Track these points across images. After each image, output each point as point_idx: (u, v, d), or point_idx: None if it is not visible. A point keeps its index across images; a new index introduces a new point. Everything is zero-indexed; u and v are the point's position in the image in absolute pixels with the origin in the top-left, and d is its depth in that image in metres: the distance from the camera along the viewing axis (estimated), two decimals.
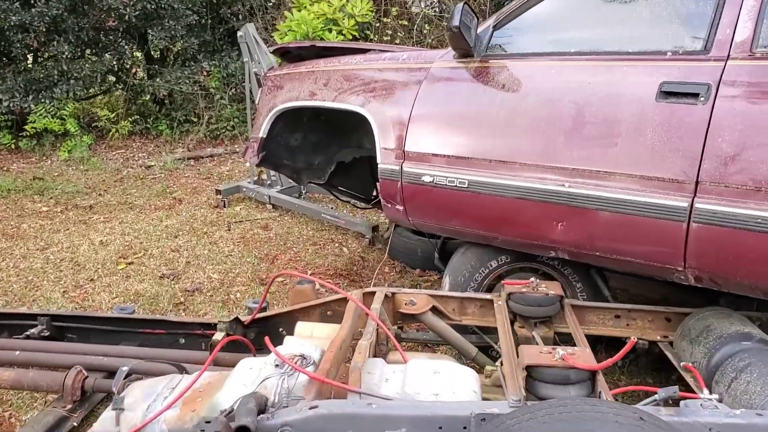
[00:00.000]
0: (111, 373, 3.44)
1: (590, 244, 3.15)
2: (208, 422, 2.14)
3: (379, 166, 3.84)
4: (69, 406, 3.00)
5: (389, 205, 3.86)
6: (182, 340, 3.78)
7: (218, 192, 7.61)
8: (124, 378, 2.69)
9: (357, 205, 6.83)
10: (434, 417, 2.22)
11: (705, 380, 2.79)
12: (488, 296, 3.49)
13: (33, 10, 9.43)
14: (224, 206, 7.49)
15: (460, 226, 3.62)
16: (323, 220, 6.82)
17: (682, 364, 3.00)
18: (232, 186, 7.76)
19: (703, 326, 3.09)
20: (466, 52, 3.61)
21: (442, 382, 2.50)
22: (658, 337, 3.40)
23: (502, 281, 3.39)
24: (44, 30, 9.62)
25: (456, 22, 3.31)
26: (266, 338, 2.63)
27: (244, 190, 7.72)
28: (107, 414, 2.49)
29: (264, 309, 3.70)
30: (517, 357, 2.62)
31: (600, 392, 2.32)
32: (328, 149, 5.08)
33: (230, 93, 11.26)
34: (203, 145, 10.87)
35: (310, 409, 2.22)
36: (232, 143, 10.81)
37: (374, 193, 5.87)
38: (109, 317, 3.76)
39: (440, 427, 2.22)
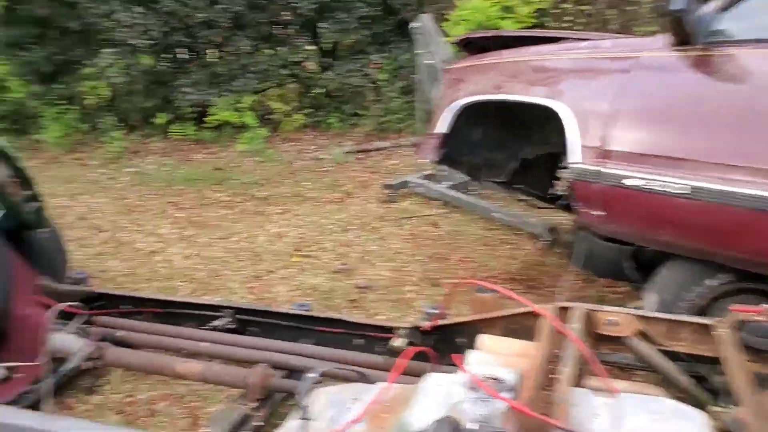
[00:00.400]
0: (291, 372, 3.45)
1: None
2: None
3: (573, 165, 3.50)
4: (254, 405, 3.01)
5: (584, 210, 3.50)
6: (358, 341, 3.71)
7: (387, 187, 7.58)
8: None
9: (537, 205, 6.46)
10: None
11: None
12: (707, 320, 3.02)
13: (217, 6, 10.03)
14: (392, 201, 7.45)
15: (674, 238, 3.20)
16: (494, 218, 6.53)
17: None
18: (400, 181, 7.70)
19: None
20: (685, 39, 3.16)
21: (665, 425, 2.15)
22: None
23: (730, 306, 2.92)
24: (227, 26, 10.20)
25: (681, 5, 2.88)
26: (455, 357, 2.42)
27: (412, 185, 7.63)
28: (293, 423, 2.42)
29: (443, 316, 3.51)
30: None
31: None
32: (510, 146, 4.79)
33: (399, 85, 11.26)
34: (371, 138, 10.98)
35: None
36: (399, 136, 10.81)
37: (553, 191, 5.50)
38: (290, 313, 3.77)
39: None
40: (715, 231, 3.00)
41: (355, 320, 3.67)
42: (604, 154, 3.32)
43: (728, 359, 2.64)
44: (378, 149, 10.30)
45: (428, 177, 7.66)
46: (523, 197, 6.13)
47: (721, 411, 2.53)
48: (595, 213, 3.43)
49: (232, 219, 6.99)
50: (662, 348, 3.10)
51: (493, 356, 2.94)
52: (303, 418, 2.37)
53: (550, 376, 2.63)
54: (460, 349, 3.51)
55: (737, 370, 2.53)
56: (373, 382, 2.75)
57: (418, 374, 3.47)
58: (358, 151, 10.13)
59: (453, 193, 7.13)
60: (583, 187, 3.45)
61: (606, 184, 3.32)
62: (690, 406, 2.30)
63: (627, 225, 3.38)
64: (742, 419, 2.44)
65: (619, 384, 3.05)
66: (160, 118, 11.04)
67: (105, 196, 8.06)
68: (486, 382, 2.33)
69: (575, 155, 3.48)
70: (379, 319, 4.35)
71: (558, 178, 5.63)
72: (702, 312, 3.38)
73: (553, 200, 5.96)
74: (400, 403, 2.42)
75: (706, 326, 3.03)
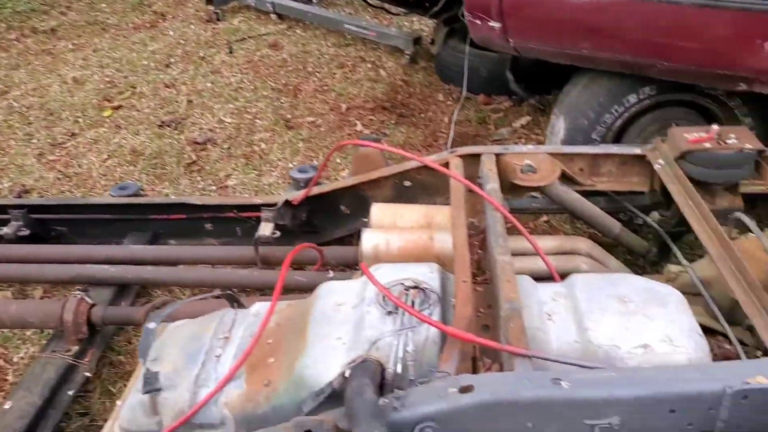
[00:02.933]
0: (123, 287, 2.68)
1: None
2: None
3: None
4: (74, 348, 2.26)
5: (478, 22, 2.82)
6: (209, 225, 2.97)
7: (209, 1, 6.36)
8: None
9: (390, 11, 5.66)
10: (664, 397, 1.46)
11: None
12: (636, 150, 2.59)
13: None
14: (218, 19, 6.30)
15: (596, 49, 2.63)
16: (346, 32, 5.68)
17: None
18: None
19: None
20: None
21: (642, 317, 1.71)
22: None
23: (671, 129, 2.48)
24: None
25: None
26: (363, 266, 1.79)
27: None
28: (136, 399, 1.73)
29: (317, 182, 2.83)
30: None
31: None
32: None
33: None
34: None
35: (461, 392, 1.45)
36: None
37: None
38: (108, 203, 2.92)
39: (672, 410, 1.47)
40: (649, 38, 2.47)
41: (201, 202, 2.89)
42: None
43: (680, 201, 2.22)
44: None
45: None
46: (374, 2, 5.32)
47: (680, 271, 2.17)
48: (492, 26, 2.76)
49: (8, 65, 5.55)
50: (585, 188, 2.68)
51: (397, 235, 2.36)
52: (148, 391, 1.69)
53: (475, 262, 2.10)
54: (345, 221, 2.93)
55: (693, 215, 2.12)
56: (241, 304, 2.08)
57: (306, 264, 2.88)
58: None
59: (291, 3, 6.09)
60: None
61: None
62: (659, 284, 1.87)
63: (536, 39, 2.76)
64: (706, 278, 2.08)
65: (547, 241, 2.63)
66: None
67: None
68: (406, 297, 1.74)
69: None
70: (236, 197, 3.58)
71: None
72: (620, 135, 2.96)
73: (411, 3, 5.20)
74: (291, 342, 1.79)
75: (636, 157, 2.61)
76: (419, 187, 2.77)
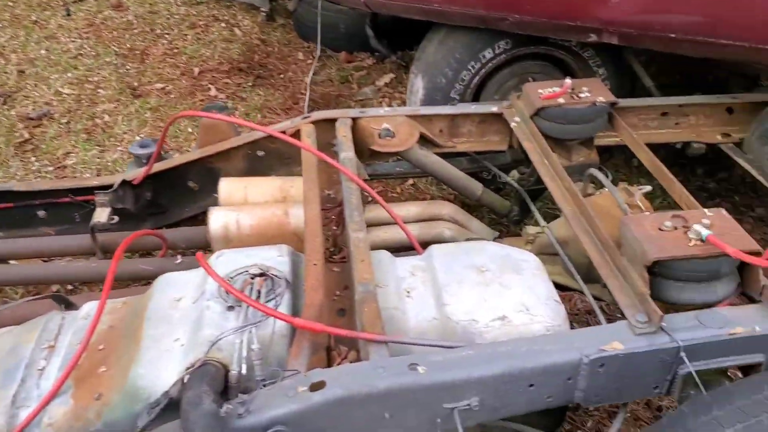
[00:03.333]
0: None
1: (664, 20, 2.20)
2: None
3: None
4: None
5: None
6: (42, 213, 2.66)
7: None
8: None
9: None
10: (522, 372, 1.41)
11: None
12: (493, 109, 2.54)
13: None
14: None
15: (448, 4, 2.53)
16: None
17: None
18: None
19: None
20: None
21: (498, 287, 1.65)
22: (719, 138, 2.66)
23: (525, 85, 2.43)
24: None
25: None
26: (199, 256, 1.62)
27: None
28: None
29: (160, 156, 2.58)
30: (584, 209, 1.79)
31: (764, 285, 1.56)
32: None
33: None
34: None
35: (312, 390, 1.34)
36: None
37: None
38: None
39: (531, 385, 1.43)
40: None
41: (29, 188, 2.57)
42: None
43: (536, 160, 2.19)
44: None
45: None
46: None
47: (538, 233, 2.14)
48: None
49: None
50: (446, 150, 2.60)
51: (248, 213, 2.19)
52: None
53: (332, 239, 1.97)
54: (195, 198, 2.71)
55: (548, 174, 2.09)
56: (71, 305, 1.85)
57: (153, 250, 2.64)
58: None
59: None
60: None
61: None
62: (516, 249, 1.82)
63: None
64: (564, 238, 2.07)
65: (410, 207, 2.54)
66: None
67: None
68: (251, 288, 1.59)
69: None
70: (70, 179, 3.24)
71: None
72: (479, 92, 2.90)
73: None
74: (125, 347, 1.60)
75: (494, 115, 2.56)
76: (274, 156, 2.59)
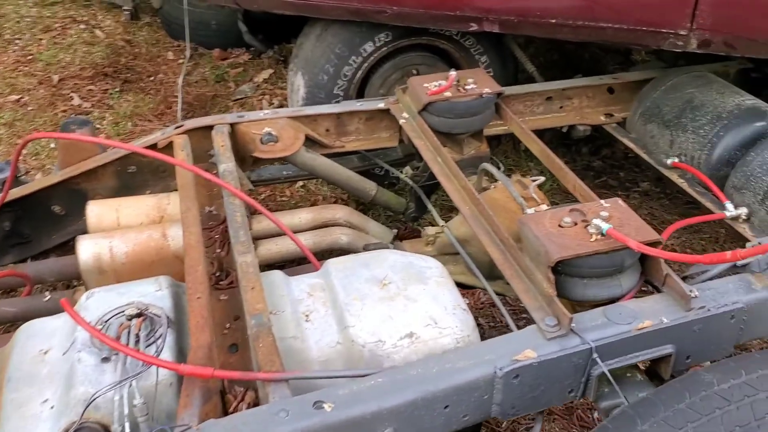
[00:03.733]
0: None
1: (544, 6, 2.17)
2: None
3: None
4: None
5: None
6: None
7: None
8: None
9: None
10: (435, 396, 1.33)
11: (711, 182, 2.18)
12: (380, 105, 2.45)
13: None
14: None
15: None
16: None
17: (669, 161, 2.33)
18: None
19: (681, 101, 2.40)
20: None
21: (403, 301, 1.56)
22: (602, 118, 2.69)
23: (410, 79, 2.35)
24: None
25: None
26: (64, 302, 1.42)
27: None
28: None
29: (17, 180, 2.31)
30: (480, 206, 1.72)
31: (666, 274, 1.55)
32: None
33: None
34: None
35: None
36: None
37: None
38: None
39: (446, 406, 1.35)
40: None
41: None
42: None
43: (428, 158, 2.11)
44: None
45: None
46: None
47: (437, 234, 2.07)
48: None
49: None
50: (334, 150, 2.49)
51: (121, 238, 1.98)
52: None
53: (217, 262, 1.81)
54: (63, 224, 2.44)
55: (444, 173, 2.02)
56: None
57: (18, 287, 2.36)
58: None
59: None
60: None
61: None
62: (417, 256, 1.73)
63: None
64: (464, 236, 2.01)
65: (302, 214, 2.39)
66: None
67: None
68: (128, 332, 1.41)
69: None
70: None
71: None
72: (363, 86, 2.79)
73: None
74: None
75: (380, 111, 2.46)
76: (148, 171, 2.37)
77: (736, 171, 2.14)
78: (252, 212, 2.11)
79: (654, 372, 1.56)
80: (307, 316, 1.56)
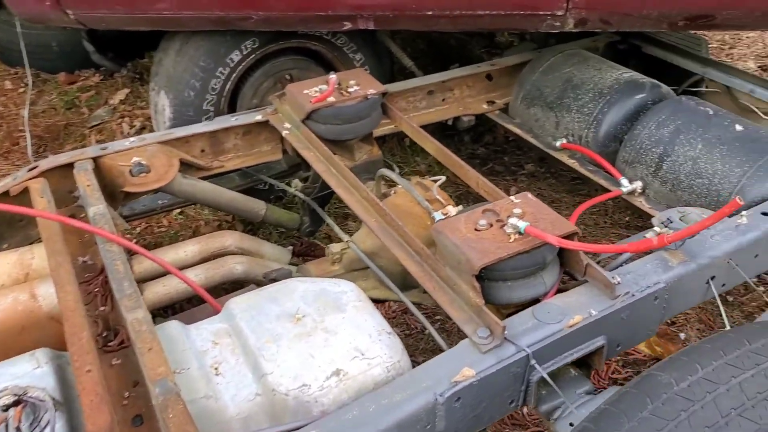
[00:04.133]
0: None
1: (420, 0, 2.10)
2: None
3: None
4: None
5: None
6: None
7: None
8: None
9: None
10: None
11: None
12: (257, 117, 2.29)
13: None
14: None
15: (179, 9, 2.19)
16: None
17: (557, 143, 2.34)
18: None
19: (561, 81, 2.41)
20: None
21: (323, 335, 1.43)
22: (485, 107, 2.68)
23: (288, 87, 2.20)
24: None
25: None
26: None
27: None
28: None
29: None
30: (385, 214, 1.63)
31: (587, 264, 1.51)
32: None
33: None
34: None
35: None
36: None
37: None
38: None
39: None
40: None
41: None
42: None
43: (318, 168, 1.98)
44: None
45: None
46: None
47: (343, 250, 1.95)
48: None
49: None
50: (212, 173, 2.30)
51: None
52: None
53: (102, 321, 1.59)
54: None
55: (329, 176, 1.90)
56: None
57: None
58: None
59: None
60: None
61: None
62: (328, 281, 1.60)
63: (101, 4, 2.20)
64: (372, 249, 1.90)
65: (188, 247, 2.18)
66: None
67: None
68: (5, 427, 1.19)
69: None
70: None
71: None
72: (234, 98, 2.62)
73: None
74: None
75: (259, 124, 2.30)
76: (1, 222, 2.09)
77: (625, 145, 2.17)
78: (131, 252, 1.90)
79: (584, 363, 1.53)
80: (216, 369, 1.39)
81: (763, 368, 1.01)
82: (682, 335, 2.25)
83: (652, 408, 1.00)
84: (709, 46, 3.13)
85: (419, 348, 2.22)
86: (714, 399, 0.97)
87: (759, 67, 4.18)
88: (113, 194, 2.12)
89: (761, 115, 2.35)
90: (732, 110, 2.28)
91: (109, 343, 1.54)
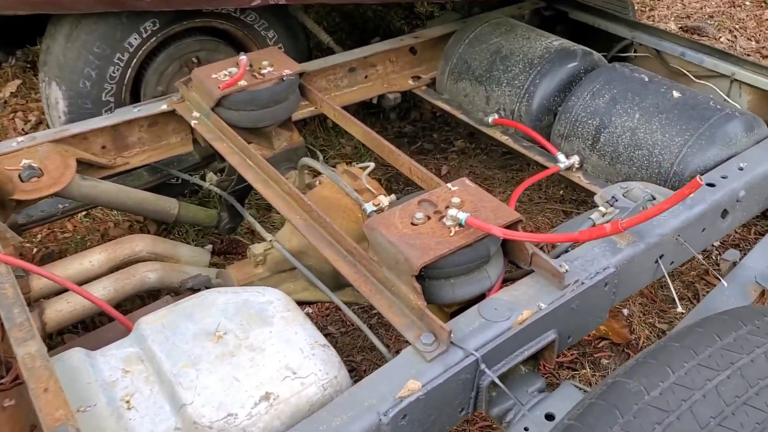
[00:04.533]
0: None
1: None
2: None
3: None
4: None
5: None
6: None
7: None
8: None
9: None
10: None
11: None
12: (162, 106, 2.09)
13: None
14: None
15: None
16: None
17: (489, 119, 2.23)
18: None
19: (489, 53, 2.31)
20: None
21: (248, 354, 1.28)
22: (410, 83, 2.56)
23: (194, 72, 2.01)
24: None
25: None
26: None
27: None
28: None
29: None
30: (324, 220, 1.49)
31: (532, 253, 1.40)
32: None
33: None
34: None
35: None
36: None
37: None
38: None
39: None
40: None
41: None
42: None
43: (233, 160, 1.81)
44: None
45: None
46: None
47: (266, 251, 1.79)
48: None
49: None
50: (116, 171, 2.10)
51: None
52: None
53: None
54: None
55: (246, 169, 1.74)
56: None
57: None
58: None
59: None
60: None
61: None
62: (251, 290, 1.45)
63: None
64: (298, 248, 1.75)
65: (95, 256, 1.97)
66: None
67: None
68: None
69: None
70: None
71: None
72: (137, 87, 2.40)
73: None
74: None
75: (164, 114, 2.10)
76: None
77: (559, 118, 2.09)
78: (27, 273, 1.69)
79: (535, 359, 1.44)
80: (128, 402, 1.23)
81: (739, 367, 0.93)
82: (626, 311, 2.21)
83: (623, 422, 0.90)
84: None
85: (357, 346, 2.09)
86: (690, 408, 0.88)
87: (680, 28, 4.20)
88: (2, 203, 1.89)
89: (693, 78, 2.31)
90: (663, 75, 2.23)
91: (1, 381, 1.35)
